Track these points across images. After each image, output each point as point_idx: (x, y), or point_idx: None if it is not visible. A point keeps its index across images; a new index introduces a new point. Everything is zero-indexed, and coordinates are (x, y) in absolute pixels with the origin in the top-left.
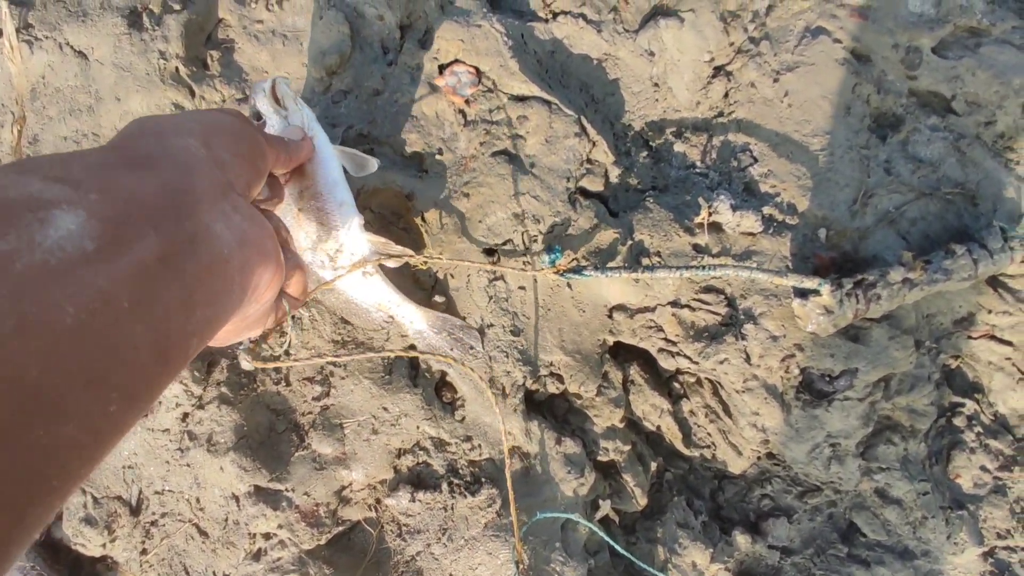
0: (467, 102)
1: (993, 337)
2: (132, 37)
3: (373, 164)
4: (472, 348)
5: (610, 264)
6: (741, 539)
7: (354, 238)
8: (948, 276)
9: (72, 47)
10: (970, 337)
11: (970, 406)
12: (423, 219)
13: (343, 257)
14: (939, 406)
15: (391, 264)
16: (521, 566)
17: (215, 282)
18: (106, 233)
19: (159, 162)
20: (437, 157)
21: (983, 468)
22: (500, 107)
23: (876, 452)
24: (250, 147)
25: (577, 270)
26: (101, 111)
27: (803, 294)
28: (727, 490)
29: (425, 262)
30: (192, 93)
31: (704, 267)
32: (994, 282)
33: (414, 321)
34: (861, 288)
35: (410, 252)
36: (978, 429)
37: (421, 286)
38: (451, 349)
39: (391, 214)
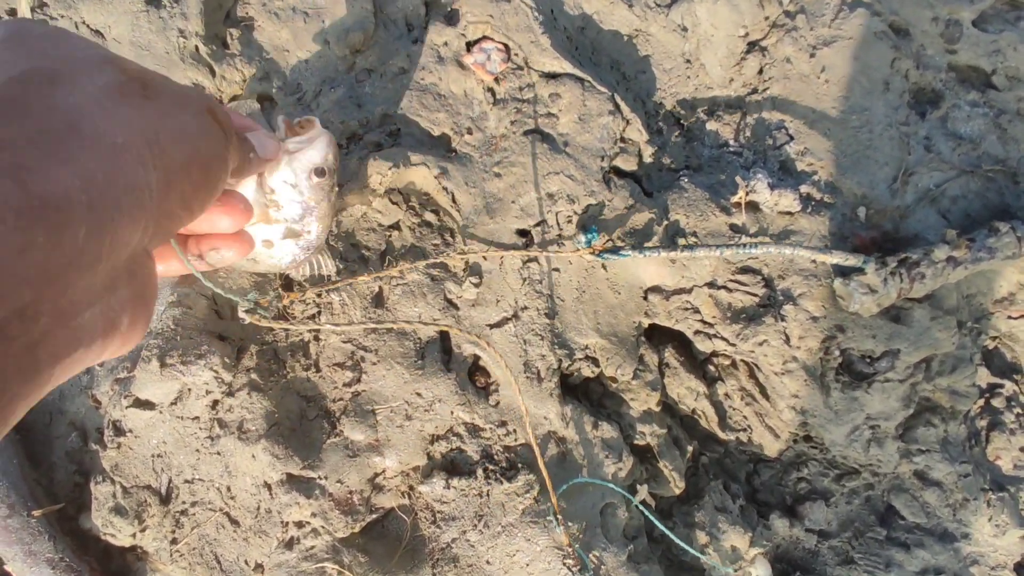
0: (496, 80)
1: None
2: (150, 15)
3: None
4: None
5: (647, 244)
6: (779, 523)
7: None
8: (992, 254)
9: (88, 26)
10: (1010, 317)
11: (1009, 387)
12: (454, 200)
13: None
14: (978, 387)
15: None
16: (560, 518)
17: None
18: None
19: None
20: (466, 137)
21: (1023, 449)
22: (531, 84)
23: (916, 434)
24: (206, 175)
25: (614, 250)
26: None
27: (845, 273)
28: (763, 473)
29: (463, 253)
30: (212, 72)
31: (745, 245)
32: None
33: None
34: (905, 267)
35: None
36: (1017, 410)
37: (453, 273)
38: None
39: (421, 195)
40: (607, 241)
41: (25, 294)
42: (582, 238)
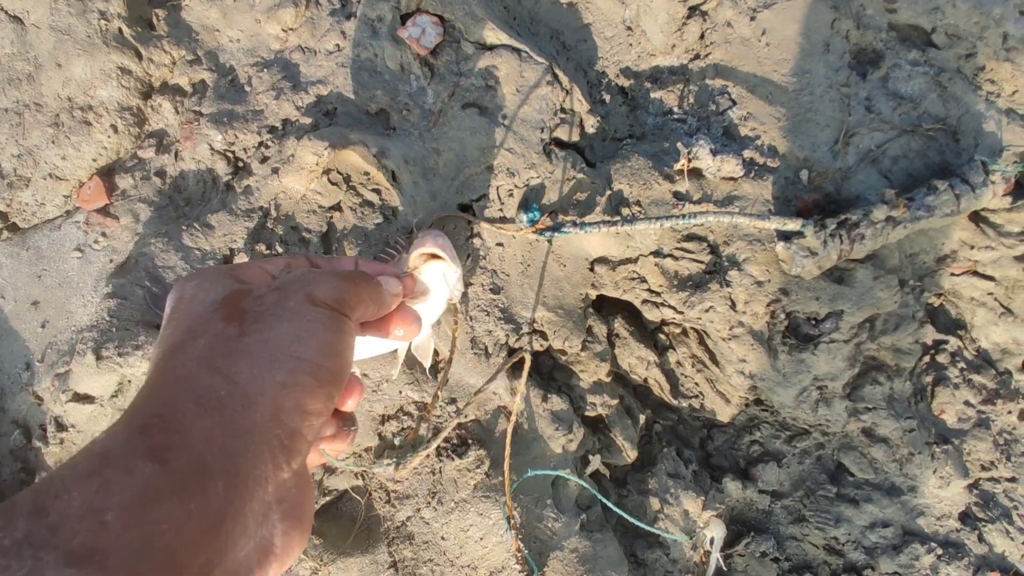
0: (433, 53)
1: (975, 273)
2: None
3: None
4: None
5: (589, 218)
6: (732, 486)
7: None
8: (931, 212)
9: (5, 11)
10: (953, 274)
11: (953, 343)
12: (394, 178)
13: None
14: (923, 344)
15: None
16: (512, 521)
17: None
18: None
19: (211, 476)
20: (404, 113)
21: (967, 403)
22: (468, 57)
23: (862, 392)
24: (332, 381)
25: (556, 227)
26: (42, 78)
27: (787, 237)
28: (716, 438)
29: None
30: (139, 55)
31: (686, 215)
32: (976, 217)
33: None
34: (845, 228)
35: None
36: (961, 365)
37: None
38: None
39: (361, 174)
40: (550, 214)
41: (200, 555)
42: (524, 217)
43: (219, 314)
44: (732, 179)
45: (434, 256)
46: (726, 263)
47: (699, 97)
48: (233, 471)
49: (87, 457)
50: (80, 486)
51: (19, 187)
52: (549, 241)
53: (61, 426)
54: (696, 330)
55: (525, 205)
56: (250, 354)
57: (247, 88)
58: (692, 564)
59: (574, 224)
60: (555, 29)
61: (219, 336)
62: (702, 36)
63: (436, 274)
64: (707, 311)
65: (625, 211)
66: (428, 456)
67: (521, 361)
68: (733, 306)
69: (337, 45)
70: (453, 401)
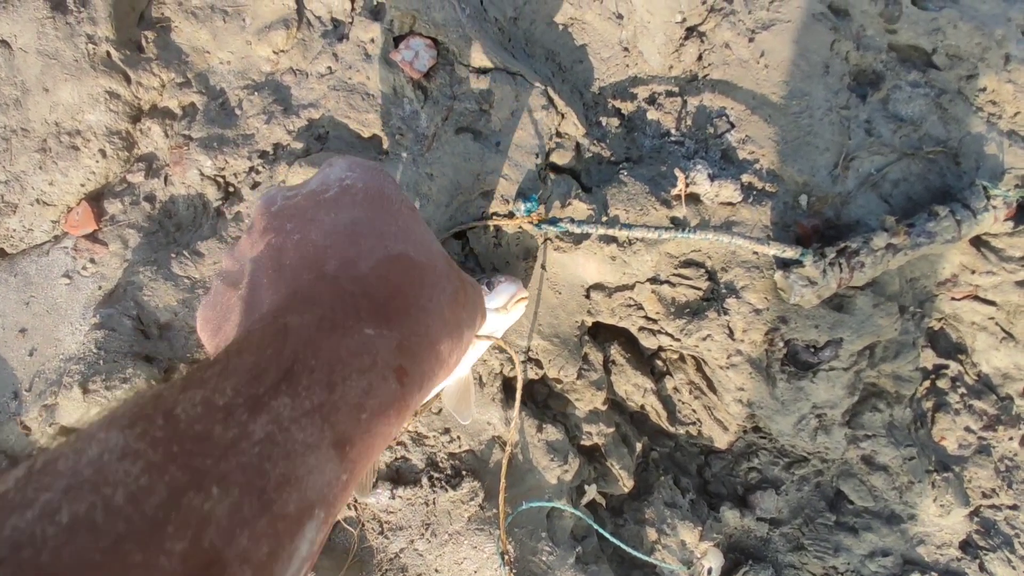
0: (426, 77)
1: (976, 297)
2: (56, 21)
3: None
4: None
5: (584, 240)
6: (729, 514)
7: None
8: (932, 239)
9: None
10: (953, 298)
11: (954, 367)
12: None
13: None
14: (923, 369)
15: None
16: (507, 556)
17: None
18: None
19: None
20: (397, 137)
21: (968, 429)
22: (462, 81)
23: (862, 420)
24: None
25: (552, 221)
26: (29, 103)
27: (785, 265)
28: (714, 465)
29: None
30: (128, 79)
31: (684, 228)
32: (977, 242)
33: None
34: (844, 256)
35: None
36: (962, 390)
37: None
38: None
39: None
40: (546, 213)
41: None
42: (522, 206)
43: (456, 279)
44: (730, 204)
45: (523, 299)
46: (724, 290)
47: (697, 119)
48: (424, 395)
49: (365, 350)
50: (358, 380)
51: (6, 213)
52: (544, 267)
53: None
54: (694, 356)
55: (524, 195)
56: (466, 315)
57: (237, 112)
58: None
59: (571, 220)
60: (551, 50)
61: (456, 298)
62: (700, 58)
63: (519, 312)
64: (704, 339)
65: (623, 235)
66: (421, 487)
67: (513, 384)
68: (731, 334)
69: (329, 68)
70: (447, 431)
